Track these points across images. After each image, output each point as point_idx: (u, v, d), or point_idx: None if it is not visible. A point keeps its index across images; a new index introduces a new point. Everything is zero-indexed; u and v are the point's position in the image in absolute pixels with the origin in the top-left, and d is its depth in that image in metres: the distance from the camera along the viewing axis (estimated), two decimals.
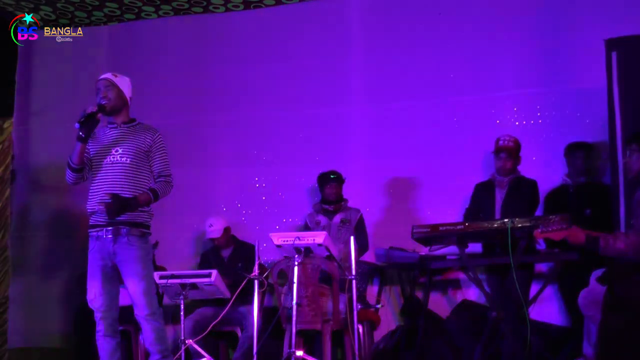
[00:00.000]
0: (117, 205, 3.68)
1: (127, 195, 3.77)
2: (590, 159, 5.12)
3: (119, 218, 3.76)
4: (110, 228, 3.77)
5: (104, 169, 3.84)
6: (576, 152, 5.11)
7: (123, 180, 3.82)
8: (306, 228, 5.50)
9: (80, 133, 3.71)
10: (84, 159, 3.84)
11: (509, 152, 4.87)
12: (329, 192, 5.44)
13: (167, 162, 3.99)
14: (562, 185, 5.19)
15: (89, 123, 3.71)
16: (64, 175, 3.92)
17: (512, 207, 4.72)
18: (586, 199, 4.94)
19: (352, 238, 4.52)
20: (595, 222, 4.42)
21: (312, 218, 5.52)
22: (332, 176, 5.46)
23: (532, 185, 4.89)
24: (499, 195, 4.89)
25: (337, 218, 5.42)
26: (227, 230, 5.56)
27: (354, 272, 4.30)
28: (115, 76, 3.95)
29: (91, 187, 3.88)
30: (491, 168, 5.15)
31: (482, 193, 5.00)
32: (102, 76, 3.96)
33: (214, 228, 5.48)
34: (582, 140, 5.20)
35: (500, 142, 4.91)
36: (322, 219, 5.45)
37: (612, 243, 3.53)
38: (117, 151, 3.86)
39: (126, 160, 3.85)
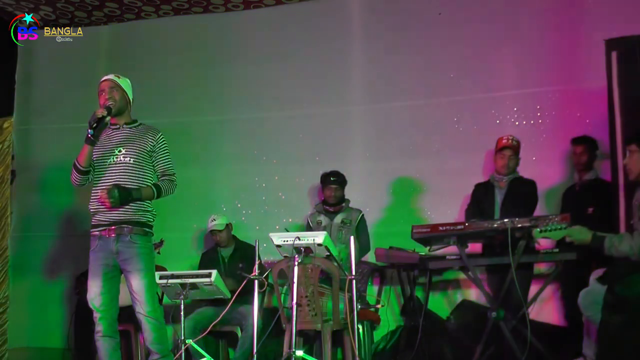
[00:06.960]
0: (119, 190, 3.69)
1: None
2: (594, 155, 5.08)
3: (121, 218, 3.77)
4: (114, 227, 3.78)
5: (107, 169, 3.84)
6: (577, 146, 5.09)
7: (127, 179, 3.81)
8: (308, 228, 5.49)
9: (91, 136, 3.71)
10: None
11: (513, 150, 4.89)
12: (328, 194, 5.42)
13: (170, 161, 4.00)
14: (572, 184, 5.18)
15: (100, 126, 3.73)
16: (66, 175, 3.92)
17: (511, 208, 4.72)
18: (591, 197, 4.92)
19: (352, 238, 4.51)
20: (599, 220, 4.42)
21: (313, 218, 5.51)
22: (332, 178, 5.41)
23: (531, 185, 4.90)
24: (499, 196, 4.90)
25: (338, 218, 5.42)
26: (229, 226, 5.57)
27: (353, 272, 4.30)
28: (118, 77, 3.96)
29: (94, 187, 3.87)
30: (491, 168, 5.16)
31: (482, 193, 5.00)
32: (106, 77, 3.96)
33: (217, 222, 5.49)
34: None
35: (504, 141, 4.93)
36: (323, 218, 5.45)
37: (617, 244, 3.54)
38: (120, 151, 3.86)
39: (129, 160, 3.85)
